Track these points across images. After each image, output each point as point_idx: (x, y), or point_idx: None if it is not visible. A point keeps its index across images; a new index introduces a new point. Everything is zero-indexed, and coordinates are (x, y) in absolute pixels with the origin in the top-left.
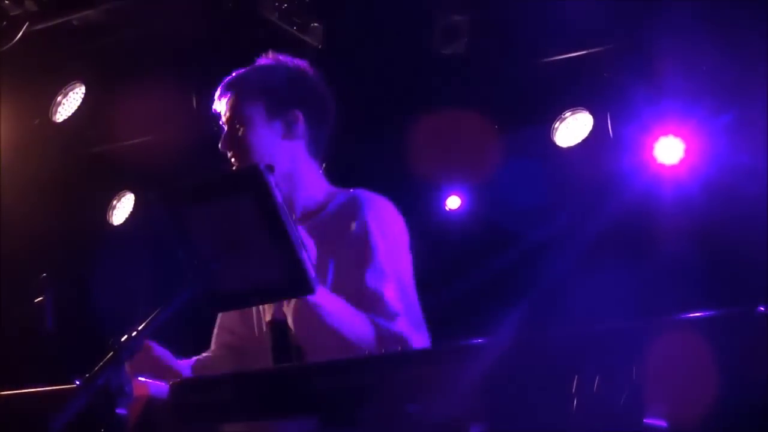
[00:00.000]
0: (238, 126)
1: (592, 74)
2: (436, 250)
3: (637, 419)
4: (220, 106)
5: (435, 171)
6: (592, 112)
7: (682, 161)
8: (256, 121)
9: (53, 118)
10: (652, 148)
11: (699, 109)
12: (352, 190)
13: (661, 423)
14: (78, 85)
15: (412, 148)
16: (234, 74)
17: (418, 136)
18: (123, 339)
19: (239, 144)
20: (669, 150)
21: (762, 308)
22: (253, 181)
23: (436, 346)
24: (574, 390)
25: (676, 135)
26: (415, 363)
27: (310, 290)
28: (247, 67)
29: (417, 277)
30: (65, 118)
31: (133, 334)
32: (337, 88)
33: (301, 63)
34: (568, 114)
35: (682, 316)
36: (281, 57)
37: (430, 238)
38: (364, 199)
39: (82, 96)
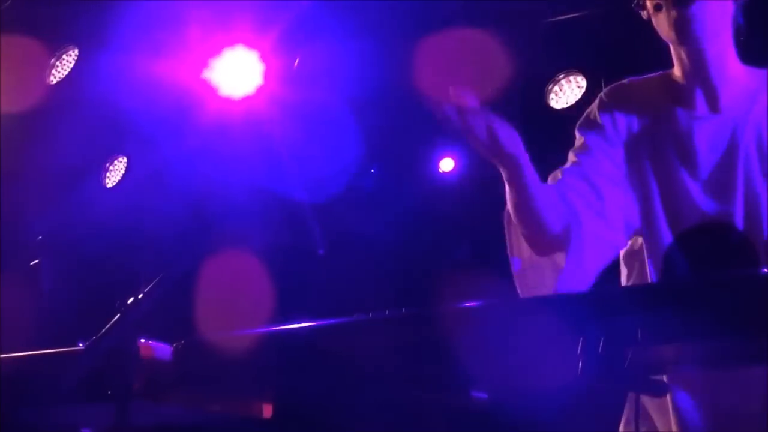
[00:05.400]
0: None
1: (586, 36)
2: (431, 212)
3: (642, 380)
4: None
5: (428, 133)
6: (585, 75)
7: None
8: None
9: (48, 80)
10: None
11: None
12: None
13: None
14: (71, 48)
15: (405, 109)
16: None
17: (411, 97)
18: (129, 301)
19: None
20: None
21: (766, 270)
22: None
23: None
24: (579, 351)
25: None
26: (414, 325)
27: None
28: None
29: (411, 242)
30: (59, 80)
31: (140, 296)
32: (332, 49)
33: None
34: (561, 76)
35: (688, 278)
36: None
37: (425, 200)
38: None
39: (75, 59)
